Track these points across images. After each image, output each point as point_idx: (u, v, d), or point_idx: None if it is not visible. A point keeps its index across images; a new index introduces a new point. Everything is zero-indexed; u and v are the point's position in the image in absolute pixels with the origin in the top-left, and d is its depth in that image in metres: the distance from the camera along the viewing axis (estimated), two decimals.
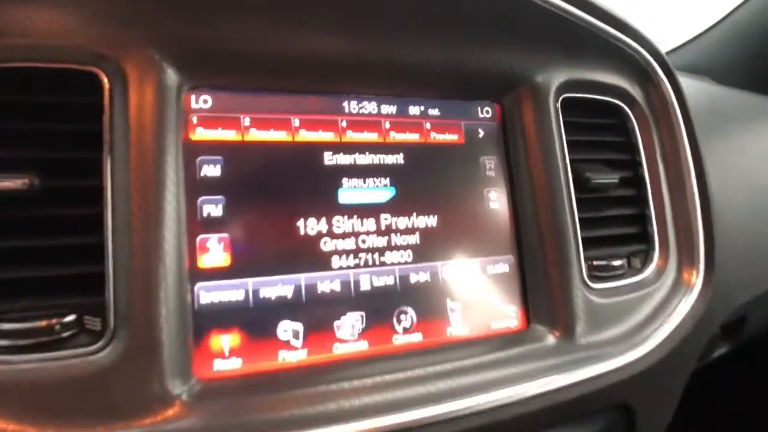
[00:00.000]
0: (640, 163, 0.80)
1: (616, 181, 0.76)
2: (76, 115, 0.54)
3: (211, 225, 0.58)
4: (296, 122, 0.64)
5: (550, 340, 0.68)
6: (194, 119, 0.59)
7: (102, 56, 0.54)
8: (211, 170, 0.59)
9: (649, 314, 0.73)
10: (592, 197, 0.75)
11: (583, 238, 0.72)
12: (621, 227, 0.78)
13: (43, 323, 0.49)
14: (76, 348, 0.50)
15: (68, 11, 0.52)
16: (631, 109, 0.80)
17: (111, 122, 0.53)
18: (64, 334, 0.50)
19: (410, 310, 0.65)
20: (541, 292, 0.70)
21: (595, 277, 0.73)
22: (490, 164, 0.73)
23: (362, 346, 0.62)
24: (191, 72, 0.58)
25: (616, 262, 0.74)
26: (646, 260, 0.78)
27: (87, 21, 0.53)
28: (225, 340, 0.57)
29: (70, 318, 0.50)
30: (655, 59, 0.77)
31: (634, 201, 0.80)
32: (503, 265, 0.71)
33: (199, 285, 0.57)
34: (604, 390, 0.66)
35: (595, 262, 0.73)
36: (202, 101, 0.60)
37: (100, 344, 0.50)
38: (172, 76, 0.57)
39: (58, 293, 0.51)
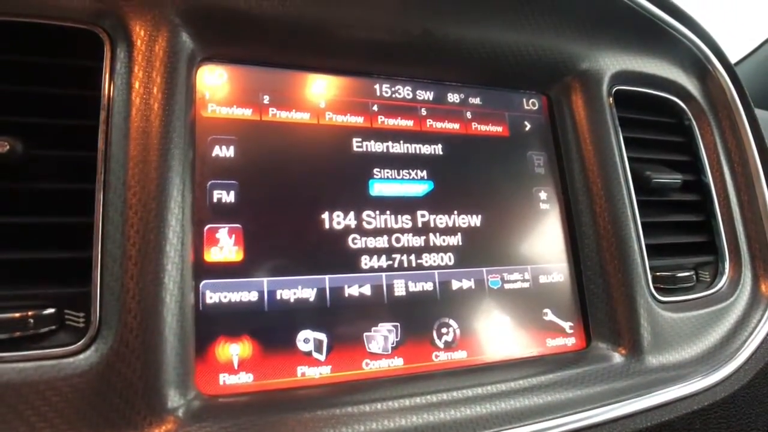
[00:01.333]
0: (702, 166, 0.71)
1: (679, 181, 0.68)
2: (71, 78, 0.47)
3: (222, 213, 0.50)
4: (322, 103, 0.56)
5: (616, 359, 0.58)
6: (207, 94, 0.52)
7: (103, 12, 0.47)
8: (224, 151, 0.51)
9: (727, 332, 0.63)
10: (654, 200, 0.67)
11: (646, 246, 0.63)
12: (685, 235, 0.69)
13: (17, 315, 0.41)
14: (53, 347, 0.41)
15: None
16: (687, 105, 0.73)
17: (110, 87, 0.46)
18: (41, 330, 0.41)
19: (453, 323, 0.55)
20: (603, 306, 0.60)
21: (661, 289, 0.63)
22: (539, 160, 0.65)
23: (397, 362, 0.52)
24: (208, 39, 0.51)
25: (683, 274, 0.65)
26: (716, 272, 0.69)
27: None
28: (234, 349, 0.47)
29: (49, 311, 0.42)
30: (713, 52, 0.71)
31: (698, 207, 0.71)
32: (558, 275, 0.62)
33: (205, 282, 0.48)
34: (683, 419, 0.55)
35: (659, 273, 0.64)
36: (217, 75, 0.53)
37: (81, 344, 0.41)
38: (186, 42, 0.50)
39: (36, 281, 0.43)
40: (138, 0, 0.48)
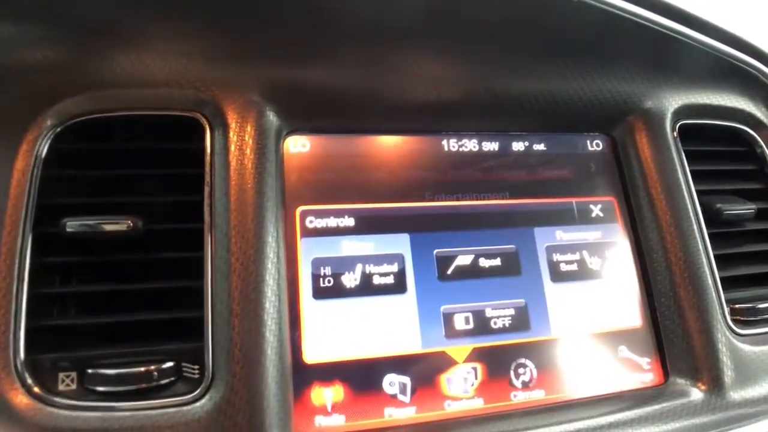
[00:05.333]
0: None
1: (753, 211, 0.67)
2: (178, 160, 0.54)
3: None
4: (395, 162, 0.61)
5: (696, 394, 0.58)
6: (294, 163, 0.58)
7: (203, 101, 0.54)
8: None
9: None
10: (727, 231, 0.67)
11: (721, 278, 0.63)
12: (764, 265, 0.68)
13: (142, 369, 0.47)
14: (173, 396, 0.47)
15: (172, 58, 0.53)
16: (757, 133, 0.72)
17: (212, 166, 0.53)
18: (162, 381, 0.47)
19: (529, 363, 0.58)
20: (679, 341, 0.61)
21: (741, 321, 0.63)
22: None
23: (477, 403, 0.55)
24: (291, 115, 0.58)
25: (764, 305, 0.64)
26: None
27: (189, 68, 0.54)
28: (328, 394, 0.52)
29: (169, 364, 0.48)
30: None
31: None
32: (631, 311, 0.63)
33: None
34: None
35: (738, 306, 0.64)
36: (301, 145, 0.59)
37: (197, 393, 0.47)
38: (272, 119, 0.56)
39: (157, 339, 0.49)
40: (230, 88, 0.55)
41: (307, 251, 0.55)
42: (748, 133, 0.72)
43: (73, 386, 0.47)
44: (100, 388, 0.46)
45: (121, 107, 0.53)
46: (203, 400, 0.47)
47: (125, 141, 0.54)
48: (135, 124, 0.54)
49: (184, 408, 0.46)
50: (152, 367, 0.47)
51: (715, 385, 0.58)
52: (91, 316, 0.49)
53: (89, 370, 0.47)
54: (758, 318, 0.64)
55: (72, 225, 0.49)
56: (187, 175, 0.53)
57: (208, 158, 0.53)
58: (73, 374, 0.47)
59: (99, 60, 0.52)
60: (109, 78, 0.53)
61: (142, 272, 0.51)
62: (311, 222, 0.56)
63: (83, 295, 0.50)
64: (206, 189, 0.52)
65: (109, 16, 0.51)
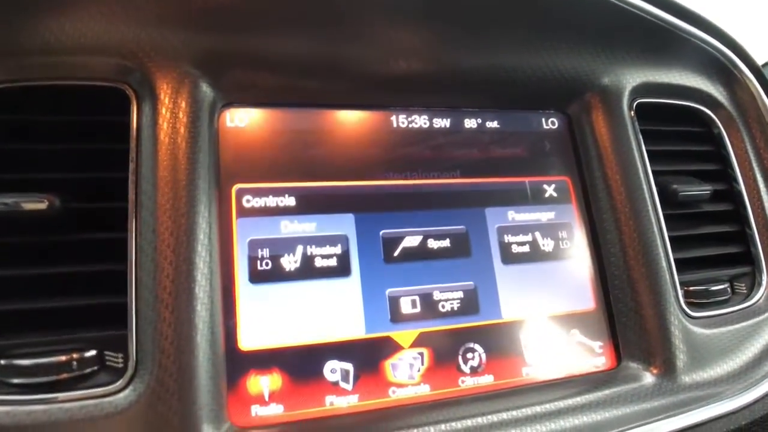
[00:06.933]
0: (734, 174, 0.69)
1: (708, 193, 0.66)
2: (101, 134, 0.50)
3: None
4: (340, 139, 0.58)
5: (647, 378, 0.57)
6: (229, 138, 0.54)
7: (128, 70, 0.50)
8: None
9: (764, 347, 0.61)
10: (683, 213, 0.66)
11: (675, 260, 0.62)
12: (719, 247, 0.67)
13: (63, 358, 0.44)
14: (95, 387, 0.44)
15: (93, 22, 0.49)
16: (715, 114, 0.71)
17: (138, 140, 0.49)
18: (84, 371, 0.44)
19: (478, 348, 0.56)
20: (632, 324, 0.59)
21: (694, 304, 0.62)
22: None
23: (423, 389, 0.53)
24: (226, 87, 0.54)
25: (717, 287, 0.64)
26: (753, 284, 0.66)
27: (113, 32, 0.49)
28: (264, 382, 0.49)
29: (90, 353, 0.45)
30: (739, 57, 0.69)
31: (731, 217, 0.69)
32: (584, 294, 0.61)
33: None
34: None
35: (692, 288, 0.63)
36: (238, 119, 0.55)
37: (120, 383, 0.44)
38: (206, 91, 0.52)
39: (77, 326, 0.46)
40: (159, 56, 0.51)
41: (243, 232, 0.52)
42: (706, 113, 0.71)
43: None
44: (14, 380, 0.43)
45: (39, 76, 0.49)
46: (126, 391, 0.44)
47: (44, 113, 0.50)
48: (56, 95, 0.50)
49: (105, 400, 0.43)
50: (73, 356, 0.44)
51: (668, 368, 0.57)
52: (5, 302, 0.45)
53: (2, 361, 0.43)
54: (711, 300, 0.63)
55: None
56: (111, 150, 0.49)
57: (134, 132, 0.49)
58: None
59: (12, 24, 0.48)
60: (24, 44, 0.48)
61: (63, 255, 0.47)
62: (248, 201, 0.53)
63: None
64: (131, 165, 0.49)
65: None
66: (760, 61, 0.71)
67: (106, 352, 0.46)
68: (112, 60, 0.50)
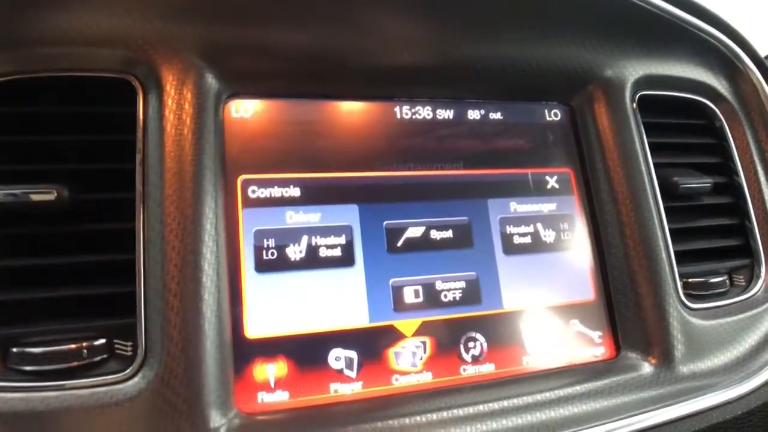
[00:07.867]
0: (735, 167, 0.70)
1: (709, 185, 0.67)
2: (109, 125, 0.50)
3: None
4: (344, 130, 0.58)
5: (646, 368, 0.58)
6: (235, 129, 0.55)
7: (135, 61, 0.51)
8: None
9: (763, 337, 0.62)
10: (683, 206, 0.66)
11: (675, 252, 0.62)
12: (718, 239, 0.68)
13: (73, 346, 0.45)
14: (105, 375, 0.45)
15: (100, 14, 0.49)
16: (717, 106, 0.71)
17: (144, 131, 0.50)
18: (94, 359, 0.45)
19: (480, 337, 0.57)
20: (631, 314, 0.60)
21: (693, 296, 0.63)
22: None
23: (425, 377, 0.54)
24: (231, 78, 0.54)
25: (716, 279, 0.65)
26: (752, 276, 0.67)
27: (119, 24, 0.50)
28: (270, 370, 0.50)
29: (100, 341, 0.46)
30: (742, 49, 0.69)
31: (731, 210, 0.70)
32: (585, 285, 0.62)
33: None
34: (716, 429, 0.55)
35: (691, 280, 0.64)
36: (243, 110, 0.56)
37: (129, 371, 0.45)
38: (211, 82, 0.53)
39: (86, 315, 0.47)
40: (164, 47, 0.51)
41: (249, 223, 0.53)
42: (708, 106, 0.71)
43: None
44: (27, 368, 0.44)
45: (46, 68, 0.49)
46: (136, 379, 0.45)
47: (51, 105, 0.50)
48: (62, 87, 0.50)
49: (115, 387, 0.44)
50: (83, 344, 0.45)
51: (666, 359, 0.58)
52: (17, 292, 0.46)
53: (14, 349, 0.44)
54: (710, 292, 0.64)
55: None
56: (118, 142, 0.50)
57: (140, 123, 0.50)
58: None
59: (19, 16, 0.48)
60: (31, 36, 0.49)
61: (72, 245, 0.48)
62: (254, 192, 0.54)
63: (8, 269, 0.47)
64: (138, 156, 0.49)
65: None
66: (763, 53, 0.71)
67: (116, 341, 0.47)
68: (118, 52, 0.50)
